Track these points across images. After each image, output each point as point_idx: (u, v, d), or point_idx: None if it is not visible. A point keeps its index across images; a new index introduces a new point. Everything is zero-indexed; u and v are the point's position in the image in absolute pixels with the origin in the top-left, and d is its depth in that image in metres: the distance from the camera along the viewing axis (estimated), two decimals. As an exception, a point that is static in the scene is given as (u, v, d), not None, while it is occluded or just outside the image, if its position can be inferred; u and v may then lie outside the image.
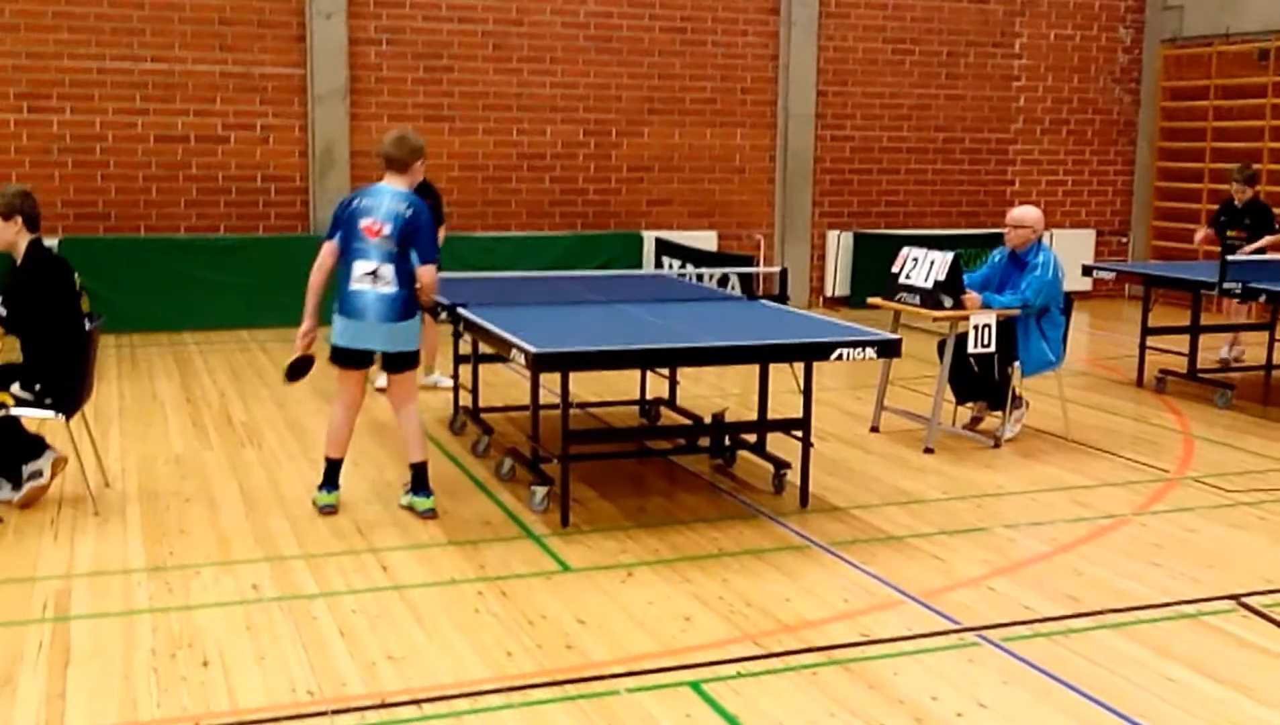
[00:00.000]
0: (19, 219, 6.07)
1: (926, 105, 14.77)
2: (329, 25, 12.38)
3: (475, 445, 7.54)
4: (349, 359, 6.22)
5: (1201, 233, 11.20)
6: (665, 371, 8.09)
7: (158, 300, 11.87)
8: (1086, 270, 10.88)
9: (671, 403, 8.17)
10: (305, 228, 12.66)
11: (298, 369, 6.35)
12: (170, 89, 12.14)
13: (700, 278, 10.04)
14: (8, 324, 6.04)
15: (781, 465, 6.82)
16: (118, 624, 4.88)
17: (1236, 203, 10.75)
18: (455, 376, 8.32)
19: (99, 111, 11.97)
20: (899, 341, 6.45)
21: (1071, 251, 13.50)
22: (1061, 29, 15.22)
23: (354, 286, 6.08)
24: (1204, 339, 9.93)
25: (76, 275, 6.25)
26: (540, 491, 6.37)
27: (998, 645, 4.78)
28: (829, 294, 14.38)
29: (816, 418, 7.00)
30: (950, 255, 7.72)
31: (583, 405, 8.32)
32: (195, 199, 12.36)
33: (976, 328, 7.57)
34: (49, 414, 6.14)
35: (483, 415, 7.86)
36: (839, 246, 14.40)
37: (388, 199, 6.11)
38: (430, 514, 6.21)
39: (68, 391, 6.20)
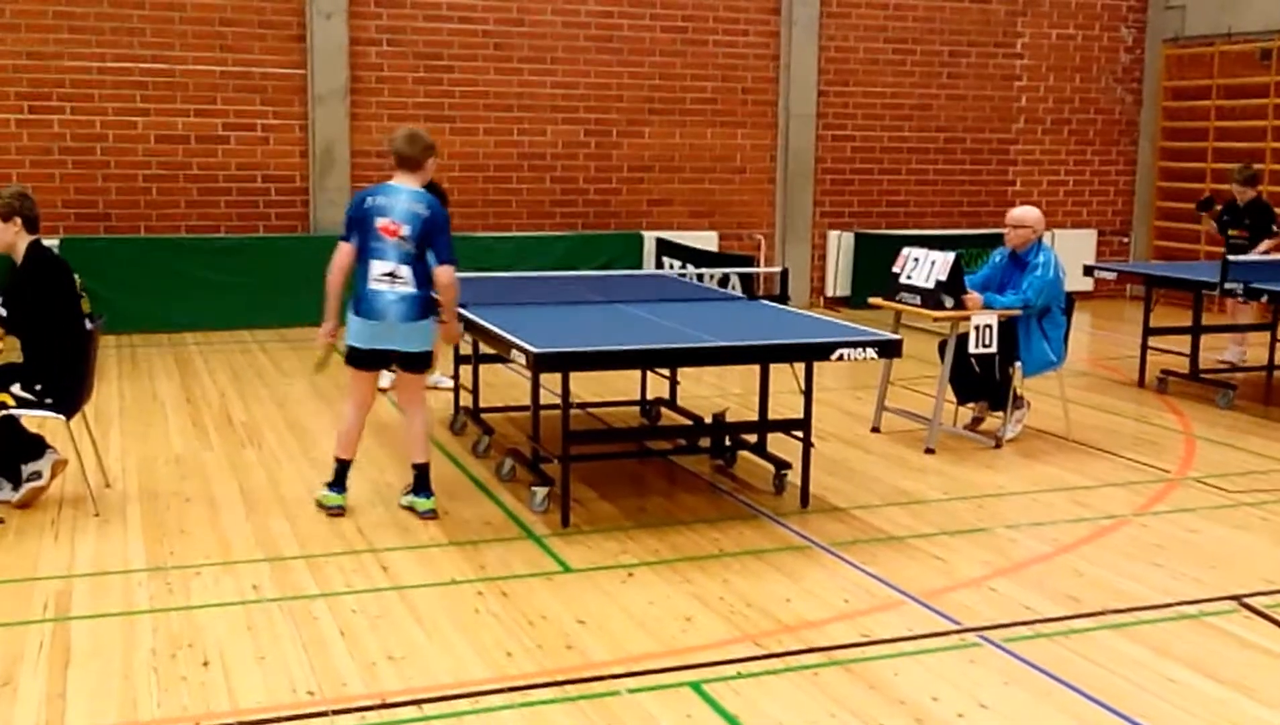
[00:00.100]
0: (18, 220, 6.07)
1: (928, 105, 14.77)
2: (329, 25, 12.38)
3: (476, 445, 7.53)
4: (366, 360, 6.19)
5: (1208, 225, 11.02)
6: (666, 372, 8.09)
7: (158, 300, 11.86)
8: (1088, 270, 10.87)
9: (672, 403, 8.16)
10: (305, 228, 12.66)
11: (324, 363, 6.37)
12: (171, 89, 12.14)
13: (701, 278, 10.03)
14: (8, 324, 6.04)
15: (782, 465, 6.82)
16: (118, 624, 4.88)
17: (1239, 202, 10.75)
18: (456, 377, 8.32)
19: (99, 112, 11.97)
20: (900, 342, 6.45)
21: (1073, 251, 13.50)
22: (1063, 28, 15.21)
23: (372, 287, 6.02)
24: (1209, 340, 9.93)
25: (77, 276, 6.24)
26: (541, 492, 6.37)
27: (999, 646, 4.78)
28: (830, 294, 14.37)
29: (817, 418, 7.00)
30: (951, 255, 7.71)
31: (583, 405, 8.32)
32: (195, 199, 12.36)
33: (977, 328, 7.56)
34: (49, 414, 6.14)
35: (483, 415, 7.85)
36: (840, 246, 14.39)
37: (404, 198, 6.05)
38: (431, 515, 6.20)
39: (68, 392, 6.20)
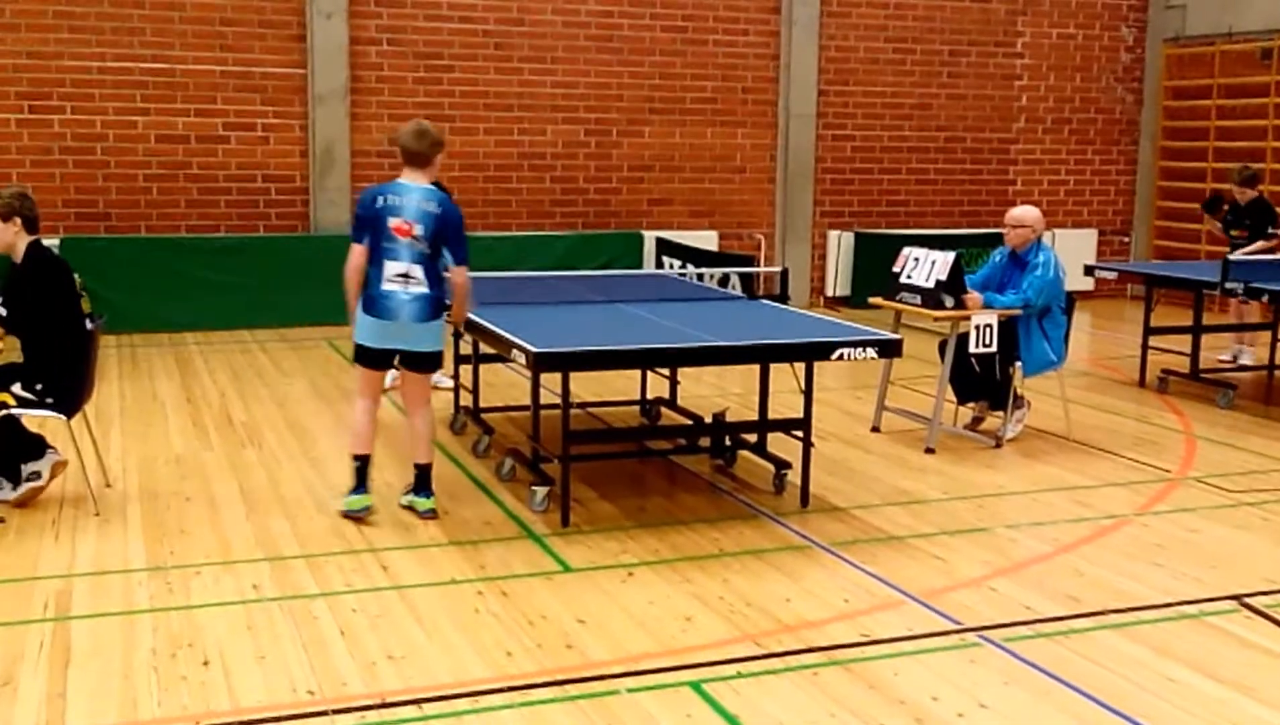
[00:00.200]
0: (18, 220, 6.07)
1: (928, 104, 14.77)
2: (329, 25, 12.38)
3: (476, 445, 7.53)
4: (375, 360, 6.16)
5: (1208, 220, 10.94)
6: (666, 371, 8.09)
7: (158, 300, 11.86)
8: (1088, 270, 10.87)
9: (672, 403, 8.16)
10: (305, 228, 12.66)
11: None
12: (171, 89, 12.14)
13: (701, 277, 10.03)
14: (7, 324, 6.04)
15: (782, 465, 6.81)
16: (118, 623, 4.88)
17: (1240, 203, 10.75)
18: (456, 376, 8.31)
19: (99, 111, 11.97)
20: (900, 341, 6.44)
21: (1073, 251, 13.51)
22: (1064, 28, 15.21)
23: (385, 287, 5.96)
24: (1211, 339, 9.92)
25: (77, 276, 6.24)
26: (541, 491, 6.36)
27: (999, 645, 4.78)
28: (830, 294, 14.37)
29: (817, 418, 7.00)
30: (951, 255, 7.71)
31: (583, 405, 8.32)
32: (195, 199, 12.36)
33: (978, 327, 7.56)
34: (50, 414, 6.14)
35: (483, 415, 7.85)
36: (840, 246, 14.39)
37: (416, 197, 5.97)
38: (430, 514, 6.20)
39: (69, 391, 6.20)
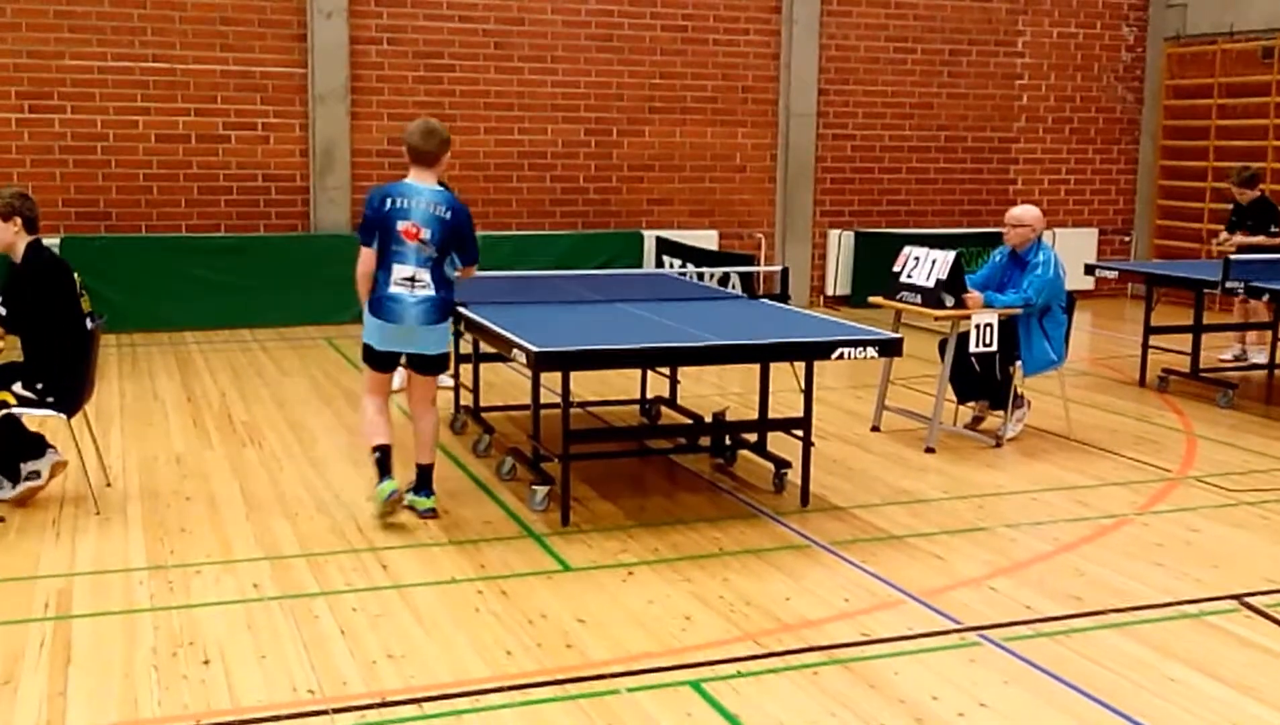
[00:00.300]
0: (18, 220, 6.07)
1: (928, 104, 14.76)
2: (330, 24, 12.38)
3: (476, 445, 7.53)
4: (382, 361, 6.16)
5: (1225, 235, 10.93)
6: (666, 371, 8.09)
7: (158, 300, 11.86)
8: (1089, 269, 10.85)
9: (672, 402, 8.16)
10: (306, 227, 12.66)
11: None
12: (171, 88, 12.14)
13: (701, 277, 10.04)
14: (7, 324, 6.04)
15: (782, 464, 6.81)
16: (119, 623, 4.88)
17: (1242, 203, 10.75)
18: (456, 376, 8.31)
19: (100, 111, 11.97)
20: (900, 341, 6.44)
21: (1074, 250, 13.51)
22: (1064, 27, 15.20)
23: (392, 290, 5.95)
24: (1215, 339, 9.91)
25: (77, 275, 6.24)
26: (541, 491, 6.36)
27: (999, 645, 4.78)
28: (830, 293, 14.37)
29: (817, 417, 7.00)
30: (952, 254, 7.71)
31: (583, 404, 8.32)
32: (196, 198, 12.36)
33: (978, 327, 7.56)
34: (50, 413, 6.15)
35: (483, 414, 7.86)
36: (840, 245, 14.38)
37: (424, 200, 5.93)
38: (431, 514, 6.20)
39: (69, 391, 6.20)
